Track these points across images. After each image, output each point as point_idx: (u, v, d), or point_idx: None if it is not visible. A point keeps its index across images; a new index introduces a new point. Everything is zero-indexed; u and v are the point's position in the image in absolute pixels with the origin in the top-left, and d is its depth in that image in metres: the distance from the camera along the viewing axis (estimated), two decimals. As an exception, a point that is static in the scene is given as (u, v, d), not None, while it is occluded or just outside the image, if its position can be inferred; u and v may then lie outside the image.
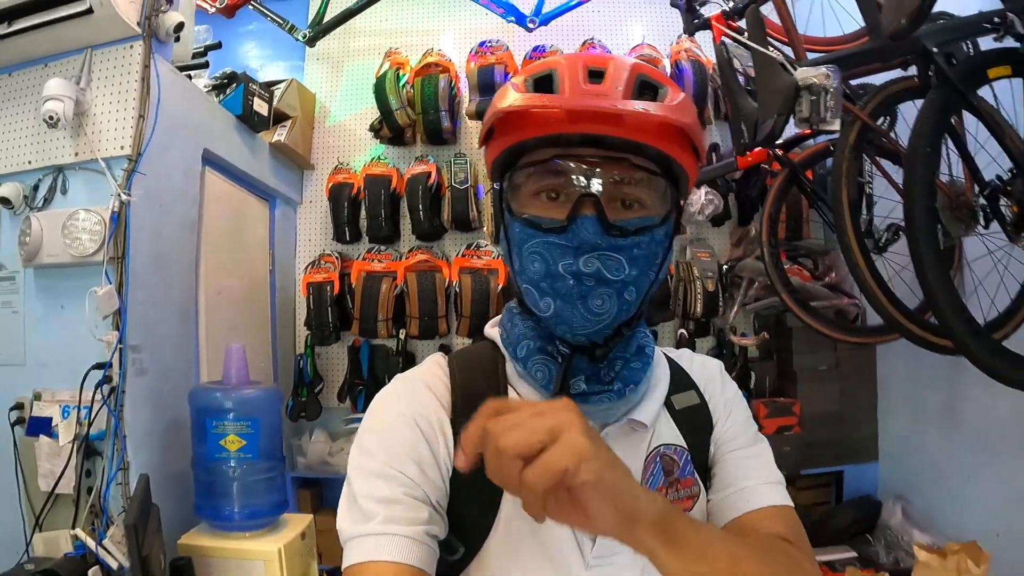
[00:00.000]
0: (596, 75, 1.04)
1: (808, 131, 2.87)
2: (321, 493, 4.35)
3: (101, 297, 2.54)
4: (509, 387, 1.16)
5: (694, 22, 3.48)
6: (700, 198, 3.93)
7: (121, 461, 2.62)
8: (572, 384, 1.08)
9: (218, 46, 3.96)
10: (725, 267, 4.14)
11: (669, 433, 1.20)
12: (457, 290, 4.09)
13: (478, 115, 4.18)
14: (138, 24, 2.79)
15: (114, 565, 2.41)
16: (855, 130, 2.61)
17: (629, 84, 1.03)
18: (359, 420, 3.93)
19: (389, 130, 4.31)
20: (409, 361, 4.25)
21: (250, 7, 3.98)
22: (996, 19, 2.54)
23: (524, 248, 1.07)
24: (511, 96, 1.05)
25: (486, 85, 4.16)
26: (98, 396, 2.58)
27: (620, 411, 1.12)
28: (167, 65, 2.96)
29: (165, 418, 2.90)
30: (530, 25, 4.21)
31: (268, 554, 2.75)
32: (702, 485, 1.19)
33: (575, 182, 1.03)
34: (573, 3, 4.33)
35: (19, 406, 2.78)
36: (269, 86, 4.15)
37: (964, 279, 3.15)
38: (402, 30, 4.73)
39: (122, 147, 2.73)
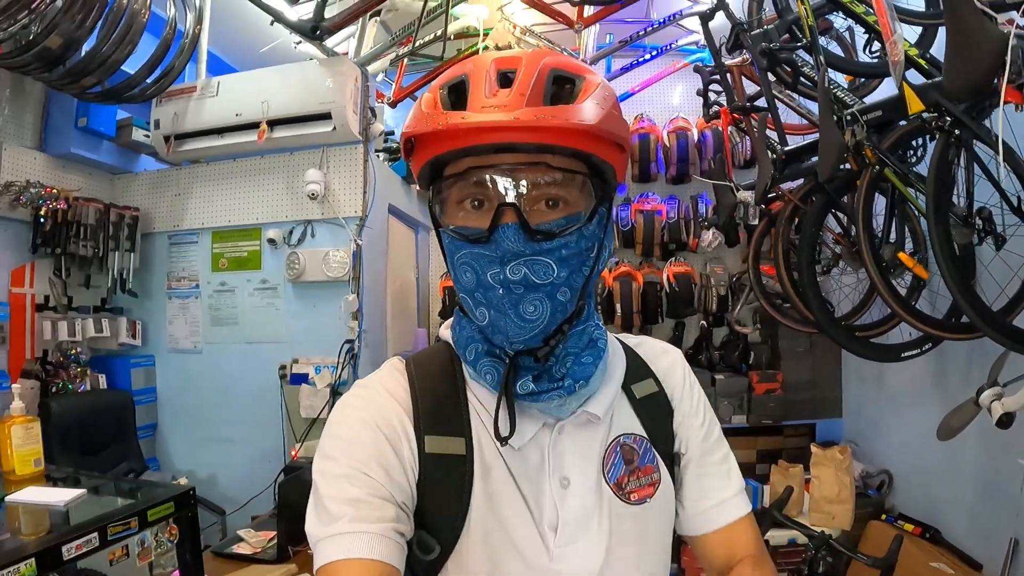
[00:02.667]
0: (506, 78, 1.02)
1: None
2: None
3: (350, 302, 4.22)
4: (468, 389, 1.15)
5: (709, 111, 4.69)
6: (710, 236, 5.43)
7: None
8: (520, 384, 1.06)
9: (392, 133, 5.55)
10: (734, 278, 5.53)
11: (629, 422, 1.20)
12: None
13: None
14: (360, 132, 4.37)
15: None
16: (790, 207, 3.93)
17: (539, 84, 1.00)
18: None
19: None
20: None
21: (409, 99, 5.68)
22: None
23: (455, 258, 1.07)
24: (419, 115, 1.04)
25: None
26: (343, 360, 4.22)
27: (574, 405, 1.11)
28: (375, 159, 4.57)
29: None
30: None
31: None
32: (663, 471, 1.18)
33: (494, 191, 1.01)
34: (630, 93, 5.76)
35: (283, 367, 4.41)
36: None
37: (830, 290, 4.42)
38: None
39: (355, 211, 4.36)
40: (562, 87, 1.04)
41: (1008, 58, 1.94)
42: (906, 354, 3.49)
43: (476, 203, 1.04)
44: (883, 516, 4.29)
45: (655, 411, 1.23)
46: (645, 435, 1.19)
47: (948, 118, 2.57)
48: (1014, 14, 1.97)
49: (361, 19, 4.50)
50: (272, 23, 3.99)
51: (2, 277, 4.04)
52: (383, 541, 0.97)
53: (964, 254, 3.02)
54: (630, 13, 4.84)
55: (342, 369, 4.22)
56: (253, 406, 4.50)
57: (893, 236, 3.23)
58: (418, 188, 5.69)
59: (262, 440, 4.40)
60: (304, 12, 3.94)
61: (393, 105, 5.47)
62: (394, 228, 5.28)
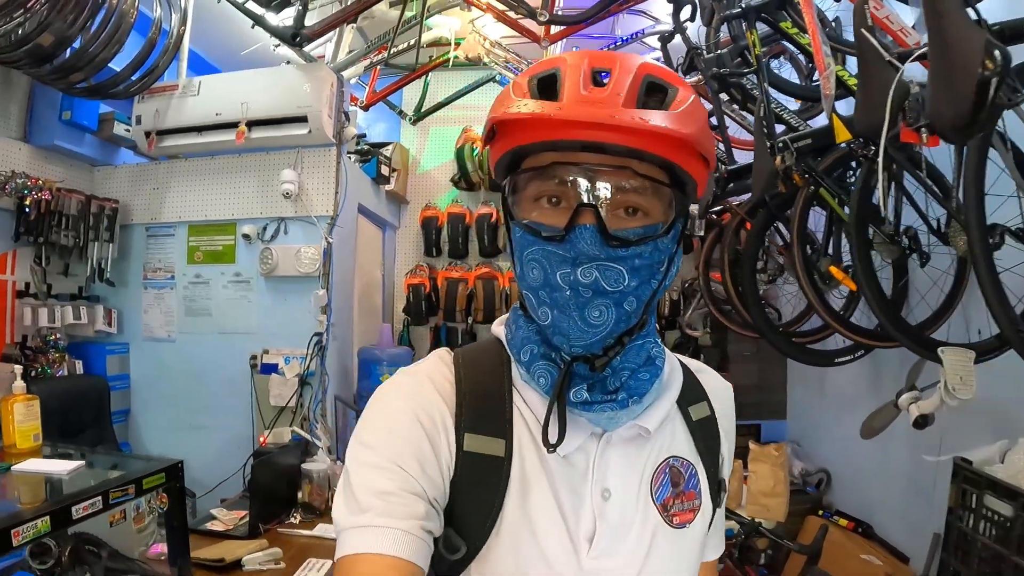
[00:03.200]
0: (600, 77, 1.00)
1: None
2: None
3: (319, 297, 4.42)
4: (515, 390, 1.11)
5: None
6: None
7: (322, 388, 4.49)
8: (574, 392, 1.03)
9: (364, 137, 5.81)
10: (686, 284, 5.81)
11: (681, 444, 1.16)
12: (508, 292, 5.97)
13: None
14: (333, 136, 4.57)
15: (320, 444, 4.11)
16: (737, 219, 4.18)
17: (634, 88, 0.98)
18: None
19: (464, 183, 6.26)
20: (474, 338, 6.09)
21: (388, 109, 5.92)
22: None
23: (524, 254, 1.04)
24: (509, 101, 1.01)
25: (531, 155, 5.89)
26: (311, 351, 4.43)
27: (625, 419, 1.07)
28: (347, 160, 4.80)
29: (342, 365, 4.77)
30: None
31: None
32: (704, 498, 1.15)
33: (575, 190, 0.98)
34: None
35: (253, 357, 4.58)
36: (380, 147, 5.94)
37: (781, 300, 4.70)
38: (471, 104, 6.40)
39: (327, 210, 4.57)
40: (653, 95, 1.01)
41: (907, 104, 2.10)
42: (840, 360, 3.72)
43: (554, 200, 1.02)
44: (820, 512, 4.51)
45: (708, 436, 1.20)
46: (694, 460, 1.17)
47: (873, 147, 2.77)
48: (915, 65, 2.17)
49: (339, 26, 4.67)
50: (253, 27, 4.14)
51: (-16, 264, 4.14)
52: (409, 538, 0.95)
53: (898, 271, 3.28)
54: (597, 29, 5.06)
55: (310, 360, 4.42)
56: (224, 394, 4.67)
57: (832, 250, 3.44)
58: (389, 190, 5.94)
59: (232, 427, 4.58)
60: (285, 17, 4.10)
61: (366, 108, 5.68)
62: (363, 227, 5.48)
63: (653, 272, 1.03)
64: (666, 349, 1.17)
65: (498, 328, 1.21)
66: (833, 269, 3.22)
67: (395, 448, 1.01)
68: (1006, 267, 2.38)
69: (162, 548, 2.97)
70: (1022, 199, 2.19)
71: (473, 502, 1.04)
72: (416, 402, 1.06)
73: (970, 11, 1.75)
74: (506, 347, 1.15)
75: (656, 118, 0.94)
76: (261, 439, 4.21)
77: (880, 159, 2.13)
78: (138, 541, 2.97)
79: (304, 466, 3.83)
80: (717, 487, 1.19)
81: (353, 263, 5.11)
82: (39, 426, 2.86)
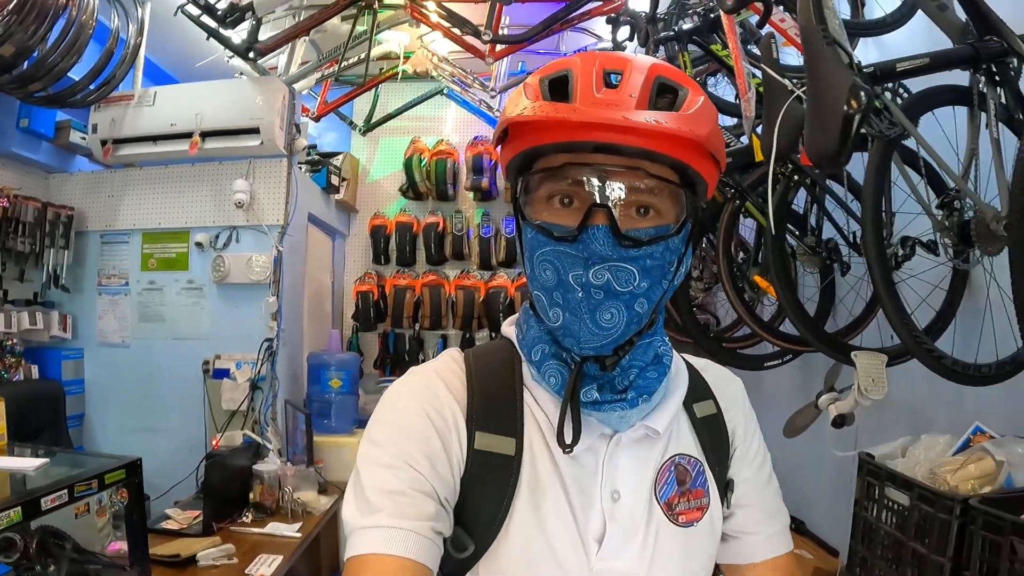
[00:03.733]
0: (612, 78, 1.01)
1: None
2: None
3: (270, 303, 4.55)
4: (525, 389, 1.12)
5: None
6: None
7: (273, 392, 4.60)
8: (584, 392, 1.04)
9: (315, 147, 5.95)
10: None
11: (687, 443, 1.17)
12: (454, 299, 6.13)
13: (471, 188, 6.27)
14: (285, 147, 4.69)
15: (271, 446, 4.22)
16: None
17: (646, 89, 0.99)
18: (388, 382, 5.87)
19: (412, 193, 6.42)
20: (420, 344, 6.31)
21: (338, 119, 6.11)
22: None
23: (536, 255, 1.04)
24: (522, 103, 1.01)
25: (477, 166, 6.21)
26: (262, 356, 4.54)
27: (634, 419, 1.08)
28: (298, 170, 4.94)
29: (292, 369, 4.90)
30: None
31: (354, 444, 4.60)
32: (713, 497, 1.16)
33: (587, 190, 0.99)
34: None
35: (206, 362, 4.69)
36: (330, 156, 6.06)
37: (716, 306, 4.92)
38: (420, 116, 6.55)
39: (277, 219, 4.69)
40: (664, 95, 1.02)
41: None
42: (769, 364, 3.88)
43: (566, 201, 1.03)
44: None
45: (714, 434, 1.21)
46: (701, 457, 1.17)
47: (790, 165, 2.94)
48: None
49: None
50: (208, 39, 4.25)
51: (-63, 270, 4.17)
52: (419, 540, 0.96)
53: (824, 281, 3.47)
54: (542, 46, 5.21)
55: (261, 365, 4.54)
56: (177, 398, 4.74)
57: (762, 260, 3.54)
58: (339, 199, 6.07)
59: (185, 430, 4.66)
60: (240, 31, 4.23)
61: (317, 119, 5.79)
62: (313, 235, 5.61)
63: (664, 272, 1.04)
64: (672, 348, 1.19)
65: (509, 328, 1.23)
66: (758, 278, 3.37)
67: (406, 446, 1.03)
68: (914, 274, 2.60)
69: (119, 546, 3.08)
70: (931, 213, 2.38)
71: (483, 500, 1.05)
72: (427, 400, 1.08)
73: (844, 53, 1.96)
74: (517, 347, 1.17)
75: (669, 120, 0.95)
76: (214, 442, 4.32)
77: (769, 180, 2.30)
78: (97, 540, 3.09)
79: (255, 467, 3.97)
80: (724, 486, 1.20)
81: (303, 270, 5.23)
82: (4, 426, 2.96)
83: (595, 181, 0.98)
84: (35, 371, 4.69)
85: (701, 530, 1.13)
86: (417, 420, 1.05)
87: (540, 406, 1.11)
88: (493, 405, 1.09)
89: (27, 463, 2.67)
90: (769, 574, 1.20)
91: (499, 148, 1.12)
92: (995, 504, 1.82)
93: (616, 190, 0.98)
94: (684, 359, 1.25)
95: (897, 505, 2.25)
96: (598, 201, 0.98)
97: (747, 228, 3.80)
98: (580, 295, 1.00)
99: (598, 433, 1.08)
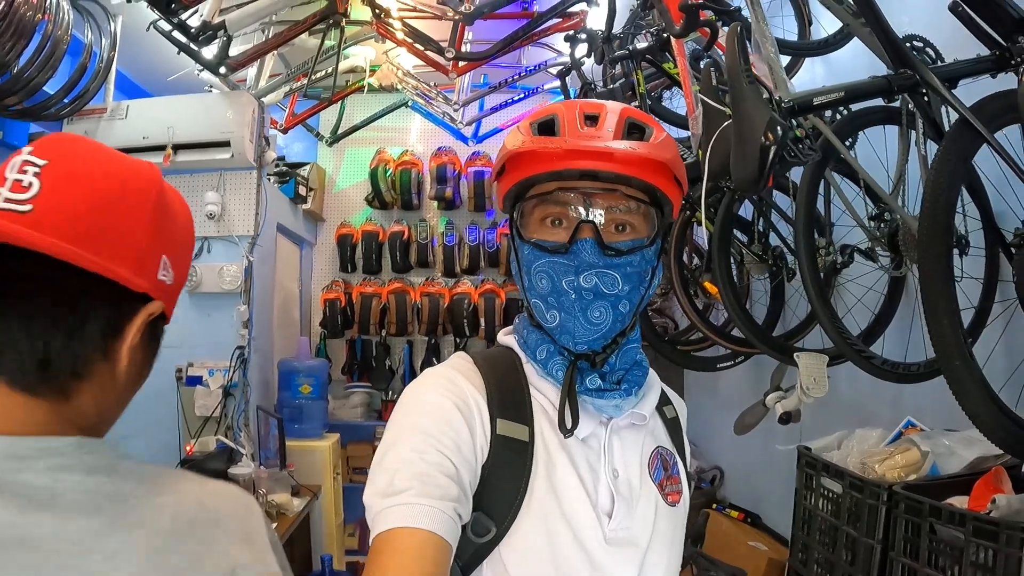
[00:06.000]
0: (591, 119, 1.17)
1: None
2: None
3: (241, 312, 4.63)
4: (531, 385, 1.23)
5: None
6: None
7: (245, 398, 4.68)
8: (589, 380, 1.18)
9: (283, 159, 6.06)
10: None
11: (663, 437, 1.32)
12: (419, 306, 6.28)
13: (435, 197, 6.44)
14: (254, 160, 4.79)
15: (244, 451, 4.27)
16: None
17: (619, 126, 1.16)
18: (356, 387, 6.11)
19: (378, 202, 6.59)
20: (387, 350, 6.45)
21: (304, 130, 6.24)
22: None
23: (532, 268, 1.19)
24: (519, 139, 1.19)
25: (441, 176, 6.36)
26: (234, 364, 4.61)
27: (626, 408, 1.21)
28: (267, 182, 5.04)
29: (263, 376, 5.00)
30: (470, 143, 6.50)
31: (324, 448, 4.94)
32: (684, 485, 1.30)
33: (575, 210, 1.16)
34: (500, 129, 6.44)
35: (179, 370, 4.73)
36: (296, 167, 6.13)
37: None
38: (385, 127, 6.70)
39: (247, 230, 4.78)
40: (634, 132, 1.19)
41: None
42: (721, 365, 4.04)
43: (557, 221, 1.19)
44: (714, 505, 4.83)
45: (675, 434, 1.36)
46: (673, 450, 1.32)
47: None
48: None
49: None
50: (179, 52, 4.29)
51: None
52: (443, 517, 1.00)
53: (775, 287, 3.64)
54: (504, 60, 5.35)
55: (233, 372, 4.60)
56: (150, 405, 4.63)
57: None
58: (307, 208, 6.17)
59: (159, 437, 4.64)
60: (212, 46, 4.27)
61: (285, 131, 5.90)
62: (281, 245, 5.71)
63: (641, 279, 1.20)
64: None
65: (507, 338, 1.35)
66: (707, 284, 3.56)
67: (434, 431, 1.09)
68: (852, 279, 2.80)
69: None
70: (863, 225, 2.56)
71: (503, 483, 1.12)
72: (451, 391, 1.16)
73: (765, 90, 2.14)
74: (518, 351, 1.30)
75: (640, 147, 1.14)
76: (188, 447, 4.39)
77: (702, 199, 2.48)
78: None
79: (230, 471, 4.03)
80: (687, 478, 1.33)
81: (272, 279, 5.33)
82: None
83: (582, 201, 1.16)
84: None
85: (680, 511, 1.28)
86: (444, 407, 1.12)
87: (547, 397, 1.22)
88: (506, 397, 1.19)
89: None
90: None
91: (496, 182, 1.28)
92: (918, 490, 2.01)
93: (599, 208, 1.16)
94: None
95: (831, 493, 2.42)
96: (585, 218, 1.15)
97: (703, 236, 3.92)
98: (573, 297, 1.15)
99: (597, 420, 1.21)
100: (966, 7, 2.00)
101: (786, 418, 2.84)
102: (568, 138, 1.15)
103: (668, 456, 1.29)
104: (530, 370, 1.26)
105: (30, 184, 0.85)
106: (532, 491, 1.12)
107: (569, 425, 1.15)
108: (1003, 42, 2.03)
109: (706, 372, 4.36)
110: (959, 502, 1.92)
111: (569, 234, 1.16)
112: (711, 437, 5.48)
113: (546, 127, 1.19)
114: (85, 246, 0.84)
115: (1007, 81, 2.11)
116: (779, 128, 1.96)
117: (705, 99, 2.42)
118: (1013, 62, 2.01)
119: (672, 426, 1.36)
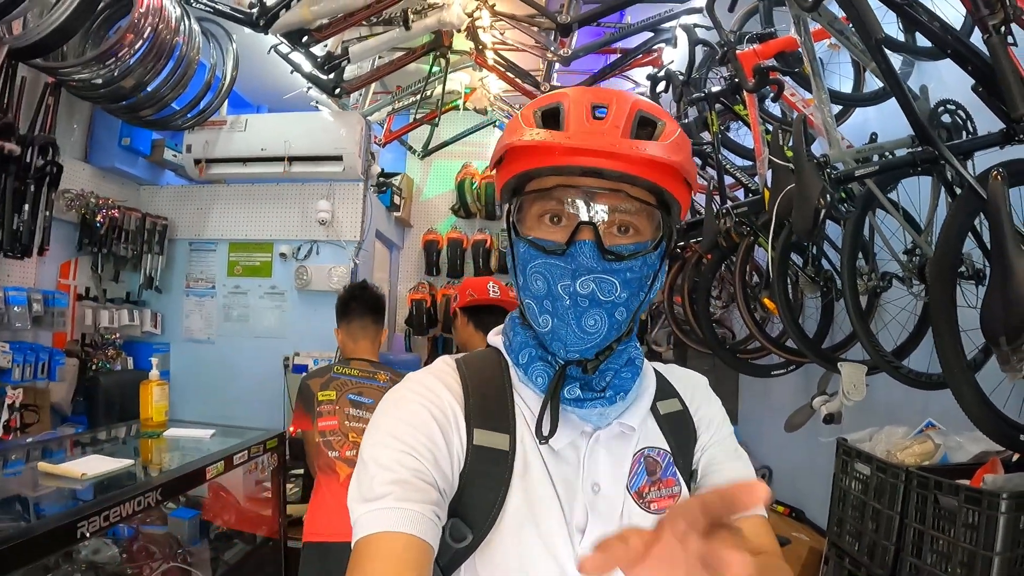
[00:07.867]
0: (599, 111, 1.08)
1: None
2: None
3: (348, 309, 5.16)
4: (514, 391, 1.18)
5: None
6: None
7: None
8: (567, 390, 1.11)
9: (382, 170, 6.49)
10: (653, 306, 6.15)
11: (654, 436, 1.21)
12: (498, 309, 6.62)
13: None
14: (362, 172, 5.31)
15: None
16: (696, 256, 4.75)
17: (628, 121, 1.06)
18: None
19: (463, 212, 7.11)
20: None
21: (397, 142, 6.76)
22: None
23: (528, 267, 1.11)
24: (520, 130, 1.09)
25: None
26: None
27: (611, 416, 1.14)
28: (371, 194, 5.57)
29: None
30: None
31: None
32: (683, 486, 1.20)
33: (575, 209, 1.07)
34: None
35: (286, 358, 5.25)
36: (389, 177, 6.59)
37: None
38: (471, 142, 7.20)
39: (354, 235, 5.32)
40: (644, 127, 1.09)
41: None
42: (775, 372, 4.35)
43: (555, 219, 1.10)
44: None
45: (678, 429, 1.24)
46: (668, 449, 1.21)
47: None
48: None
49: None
50: (292, 71, 4.84)
51: (53, 269, 4.66)
52: (423, 519, 0.99)
53: (825, 306, 4.00)
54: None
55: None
56: (256, 390, 5.27)
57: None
58: (399, 216, 6.66)
59: (263, 419, 4.92)
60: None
61: (383, 145, 6.41)
62: (377, 249, 6.21)
63: (641, 285, 1.11)
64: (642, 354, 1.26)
65: (495, 338, 1.29)
66: (766, 300, 3.84)
67: (411, 440, 1.06)
68: (891, 300, 3.22)
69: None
70: (898, 259, 2.98)
71: (480, 492, 1.09)
72: (430, 399, 1.12)
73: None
74: (504, 353, 1.23)
75: (649, 148, 1.04)
76: (291, 430, 4.88)
77: (771, 232, 2.98)
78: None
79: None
80: (689, 476, 1.24)
81: (371, 280, 5.67)
82: (167, 405, 3.60)
83: (581, 201, 1.08)
84: (130, 362, 5.23)
85: None
86: (421, 417, 1.10)
87: (528, 405, 1.17)
88: (487, 404, 1.15)
89: (203, 432, 3.37)
90: (750, 531, 1.14)
91: (495, 172, 1.21)
92: (929, 472, 2.45)
93: (601, 209, 1.08)
94: (651, 365, 1.31)
95: (862, 475, 2.83)
96: (584, 219, 1.07)
97: (764, 255, 4.25)
98: (567, 303, 1.08)
99: (579, 431, 1.15)
100: (984, 89, 2.40)
101: (829, 418, 3.23)
102: (572, 132, 1.06)
103: (660, 457, 1.21)
104: (515, 374, 1.21)
105: None
106: (508, 503, 1.09)
107: (546, 432, 1.11)
108: (1011, 119, 2.36)
109: (761, 378, 4.70)
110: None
111: (568, 234, 1.08)
112: (762, 439, 5.77)
113: (550, 115, 1.11)
114: None
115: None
116: (828, 196, 2.48)
117: (774, 159, 2.86)
118: (1018, 138, 2.39)
119: (672, 421, 1.26)
